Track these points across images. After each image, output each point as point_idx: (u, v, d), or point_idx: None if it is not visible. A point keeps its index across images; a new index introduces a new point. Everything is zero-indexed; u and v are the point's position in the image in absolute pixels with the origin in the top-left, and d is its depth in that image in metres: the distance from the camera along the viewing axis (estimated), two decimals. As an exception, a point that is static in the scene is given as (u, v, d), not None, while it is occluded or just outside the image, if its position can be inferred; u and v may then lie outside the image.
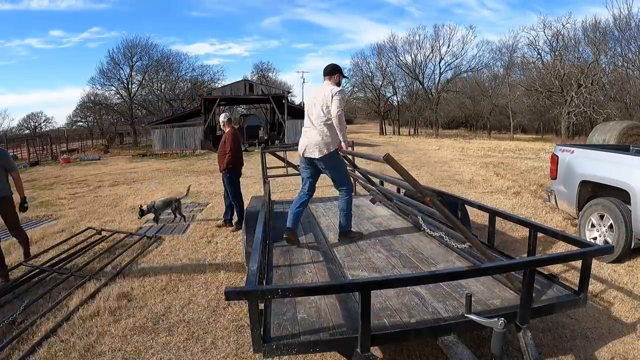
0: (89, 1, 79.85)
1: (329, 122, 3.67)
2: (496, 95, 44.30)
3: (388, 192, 4.78)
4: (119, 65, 40.34)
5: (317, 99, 3.74)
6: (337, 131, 3.67)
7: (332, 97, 3.60)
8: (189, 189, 7.47)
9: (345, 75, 4.04)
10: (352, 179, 5.25)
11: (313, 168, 3.90)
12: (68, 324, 3.44)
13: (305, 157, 3.84)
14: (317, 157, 3.73)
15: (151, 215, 6.99)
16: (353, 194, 5.31)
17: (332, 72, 3.80)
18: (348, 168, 5.02)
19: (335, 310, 2.49)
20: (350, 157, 4.81)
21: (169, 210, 6.94)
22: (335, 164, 3.82)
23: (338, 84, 3.81)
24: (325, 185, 5.83)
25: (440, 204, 2.56)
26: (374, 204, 5.54)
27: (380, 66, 50.02)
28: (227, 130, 6.28)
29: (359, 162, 5.14)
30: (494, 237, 3.57)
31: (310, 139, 3.75)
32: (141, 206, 6.66)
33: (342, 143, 3.71)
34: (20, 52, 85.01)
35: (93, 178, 14.15)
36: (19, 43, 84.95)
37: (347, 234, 3.96)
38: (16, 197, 4.65)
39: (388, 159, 2.28)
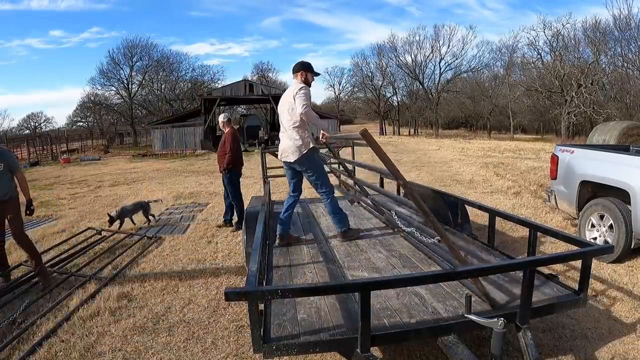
0: (89, 1, 79.72)
1: (297, 125, 3.64)
2: (496, 96, 44.27)
3: (365, 184, 4.53)
4: (119, 65, 40.43)
5: (285, 102, 3.74)
6: (313, 124, 3.61)
7: (295, 97, 3.55)
8: (157, 200, 7.42)
9: (317, 72, 3.84)
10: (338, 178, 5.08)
11: (292, 170, 3.94)
12: (68, 324, 3.44)
13: (284, 162, 3.90)
14: (291, 160, 3.76)
15: (153, 217, 7.00)
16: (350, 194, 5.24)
17: (297, 69, 3.71)
18: (334, 164, 4.86)
19: (335, 310, 2.49)
20: (338, 152, 4.73)
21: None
22: (310, 165, 3.79)
23: (306, 82, 3.71)
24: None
25: (417, 196, 2.49)
26: (352, 204, 5.55)
27: (380, 66, 50.06)
28: (226, 130, 6.29)
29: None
30: (494, 237, 3.58)
31: (283, 144, 3.80)
32: (109, 214, 6.46)
33: (322, 131, 3.64)
34: (20, 52, 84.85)
35: (93, 178, 14.15)
36: (19, 43, 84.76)
37: (345, 234, 3.94)
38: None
39: (364, 134, 2.26)
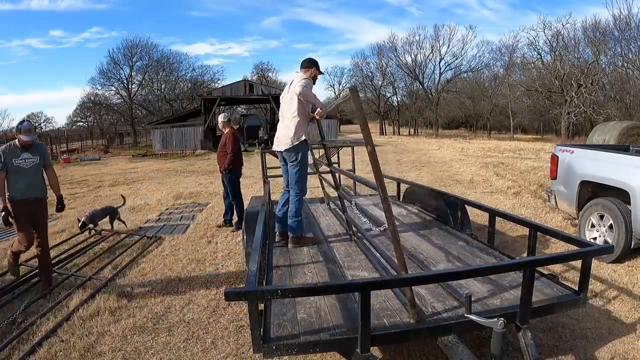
0: (89, 1, 79.88)
1: (294, 116, 3.70)
2: (496, 95, 44.27)
3: (341, 172, 4.34)
4: (119, 65, 40.44)
5: (287, 92, 3.83)
6: (311, 103, 3.67)
7: (297, 85, 3.61)
8: (124, 199, 7.17)
9: (321, 71, 3.93)
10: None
11: (281, 160, 4.01)
12: (68, 324, 3.44)
13: (276, 151, 3.96)
14: (282, 149, 3.83)
15: (153, 216, 6.99)
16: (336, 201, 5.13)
17: (308, 65, 3.79)
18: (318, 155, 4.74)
19: (335, 310, 2.49)
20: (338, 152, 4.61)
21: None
22: (297, 157, 3.81)
23: (313, 79, 3.79)
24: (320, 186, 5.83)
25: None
26: (321, 203, 5.61)
27: (380, 66, 50.14)
28: (226, 130, 6.30)
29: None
30: (494, 237, 3.58)
31: (279, 133, 3.88)
32: (79, 219, 6.12)
33: (318, 109, 3.68)
34: (20, 52, 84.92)
35: (93, 178, 14.16)
36: (19, 43, 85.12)
37: (298, 240, 3.84)
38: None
39: (352, 91, 2.22)
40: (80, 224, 6.04)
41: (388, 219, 2.22)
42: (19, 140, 3.97)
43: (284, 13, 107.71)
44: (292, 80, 3.89)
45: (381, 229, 3.14)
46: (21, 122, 4.01)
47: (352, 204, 3.84)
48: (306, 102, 3.66)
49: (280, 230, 3.93)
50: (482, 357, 2.48)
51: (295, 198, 3.88)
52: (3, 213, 3.89)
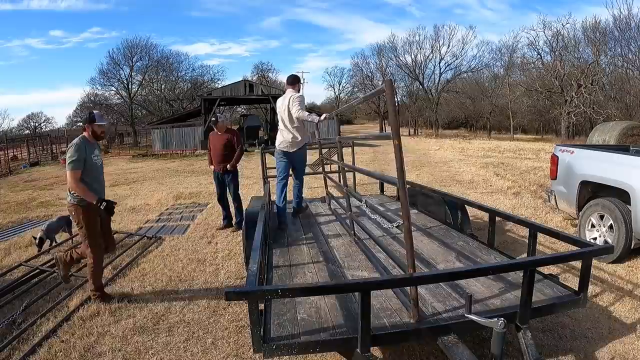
0: (89, 1, 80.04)
1: (296, 125, 4.61)
2: (496, 96, 44.24)
3: (348, 167, 4.33)
4: (119, 65, 40.46)
5: (284, 106, 4.59)
6: (308, 120, 4.55)
7: (292, 103, 4.49)
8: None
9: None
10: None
11: (286, 158, 4.81)
12: (68, 324, 3.44)
13: (282, 150, 4.77)
14: (291, 151, 4.72)
15: (153, 216, 6.94)
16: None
17: (297, 81, 4.70)
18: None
19: (335, 310, 2.50)
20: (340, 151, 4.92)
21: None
22: (303, 157, 4.89)
23: (298, 91, 4.66)
24: (322, 186, 5.83)
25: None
26: (323, 202, 5.78)
27: (380, 66, 50.12)
28: (225, 131, 6.36)
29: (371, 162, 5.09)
30: (494, 237, 3.58)
31: (285, 138, 4.71)
32: (35, 237, 5.44)
33: (322, 117, 4.56)
34: (20, 52, 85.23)
35: (93, 178, 14.13)
36: (19, 43, 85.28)
37: (300, 210, 5.12)
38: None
39: (388, 85, 2.20)
40: (37, 242, 5.26)
41: (404, 214, 2.21)
42: (92, 133, 3.64)
43: (284, 13, 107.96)
44: (285, 93, 4.65)
45: (395, 224, 3.16)
46: (89, 113, 3.67)
47: (362, 201, 3.87)
48: (302, 120, 4.60)
49: (295, 207, 5.05)
50: (482, 357, 2.48)
51: (301, 184, 5.10)
52: (105, 203, 3.59)
